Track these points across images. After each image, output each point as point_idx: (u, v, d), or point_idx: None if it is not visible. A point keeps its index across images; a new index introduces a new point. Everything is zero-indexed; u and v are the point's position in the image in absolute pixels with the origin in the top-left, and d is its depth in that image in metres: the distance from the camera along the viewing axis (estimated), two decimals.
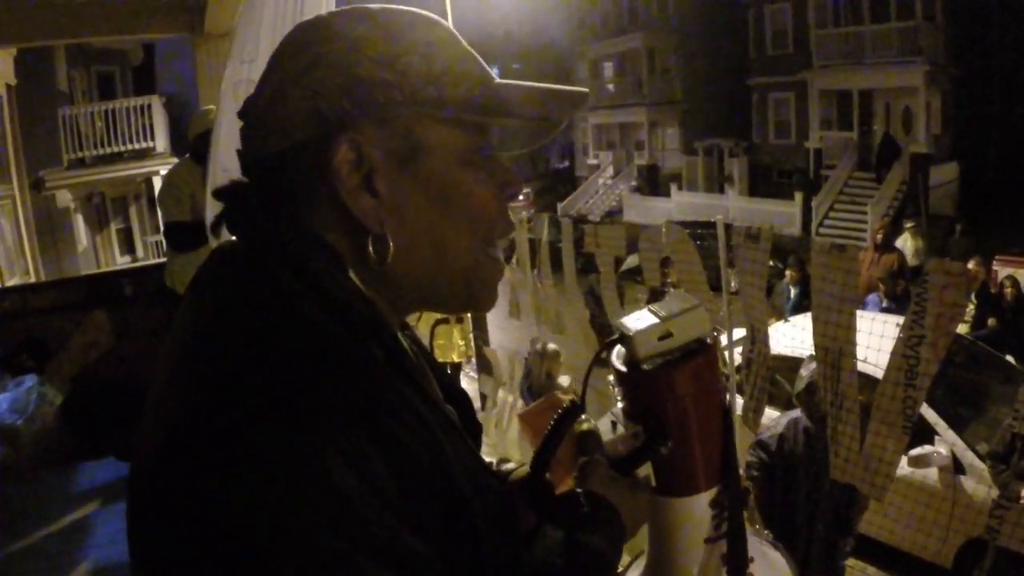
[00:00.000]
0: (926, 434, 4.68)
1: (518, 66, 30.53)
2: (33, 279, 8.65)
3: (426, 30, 0.74)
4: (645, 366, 0.87)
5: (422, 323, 6.98)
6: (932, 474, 4.66)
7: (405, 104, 0.71)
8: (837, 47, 20.16)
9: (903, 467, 4.34)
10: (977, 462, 4.48)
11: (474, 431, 0.84)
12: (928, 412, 4.70)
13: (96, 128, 14.49)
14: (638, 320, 0.89)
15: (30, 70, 11.40)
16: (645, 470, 0.90)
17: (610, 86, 27.60)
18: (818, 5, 20.50)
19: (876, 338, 3.03)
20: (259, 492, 0.53)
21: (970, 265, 7.26)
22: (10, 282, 9.40)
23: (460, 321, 7.33)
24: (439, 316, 6.96)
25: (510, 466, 0.96)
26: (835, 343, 2.50)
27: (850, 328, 2.47)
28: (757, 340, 3.27)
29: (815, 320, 2.57)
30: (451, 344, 7.45)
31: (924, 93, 18.75)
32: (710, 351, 0.88)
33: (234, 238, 0.74)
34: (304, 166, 0.71)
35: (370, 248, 0.71)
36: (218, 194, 0.77)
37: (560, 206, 24.61)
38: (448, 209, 0.74)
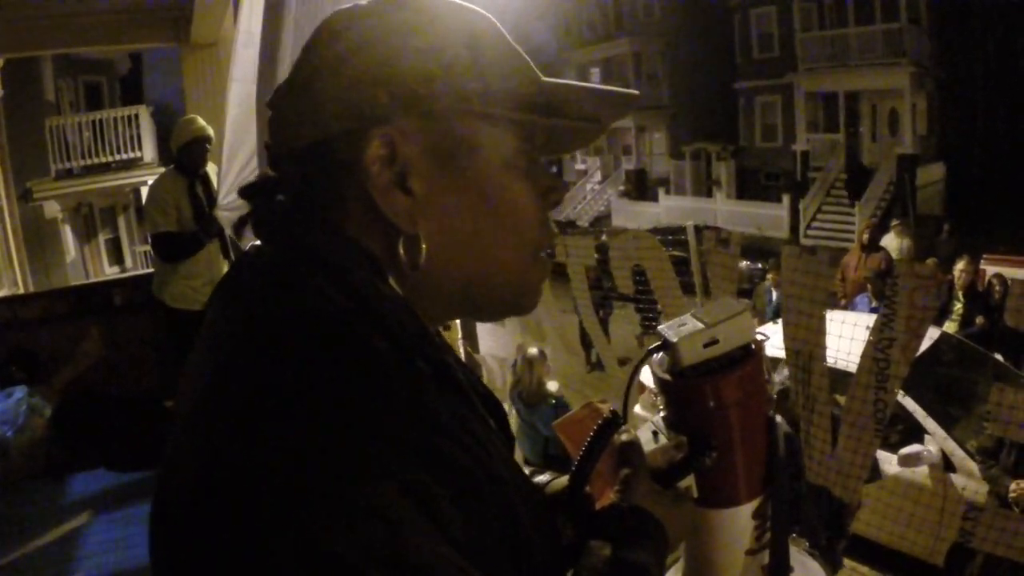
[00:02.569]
0: (916, 432, 4.71)
1: None
2: (21, 290, 8.60)
3: (472, 21, 0.69)
4: (689, 374, 0.83)
5: None
6: (922, 472, 4.68)
7: (449, 98, 0.66)
8: (822, 50, 20.27)
9: (893, 465, 4.37)
10: (967, 460, 4.51)
11: (509, 441, 0.78)
12: (917, 410, 4.73)
13: (84, 138, 14.41)
14: (681, 326, 0.85)
15: (17, 80, 11.35)
16: (686, 481, 0.85)
17: None
18: (803, 8, 20.63)
19: (857, 343, 3.05)
20: (314, 530, 0.48)
21: (960, 264, 7.26)
22: None
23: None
24: None
25: (544, 478, 0.91)
26: (805, 346, 2.51)
27: (820, 332, 2.49)
28: None
29: (785, 323, 2.59)
30: None
31: (910, 94, 18.86)
32: (756, 358, 0.84)
33: (260, 242, 0.70)
34: (335, 160, 0.66)
35: (400, 249, 0.66)
36: (244, 192, 0.73)
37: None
38: (489, 214, 0.69)
